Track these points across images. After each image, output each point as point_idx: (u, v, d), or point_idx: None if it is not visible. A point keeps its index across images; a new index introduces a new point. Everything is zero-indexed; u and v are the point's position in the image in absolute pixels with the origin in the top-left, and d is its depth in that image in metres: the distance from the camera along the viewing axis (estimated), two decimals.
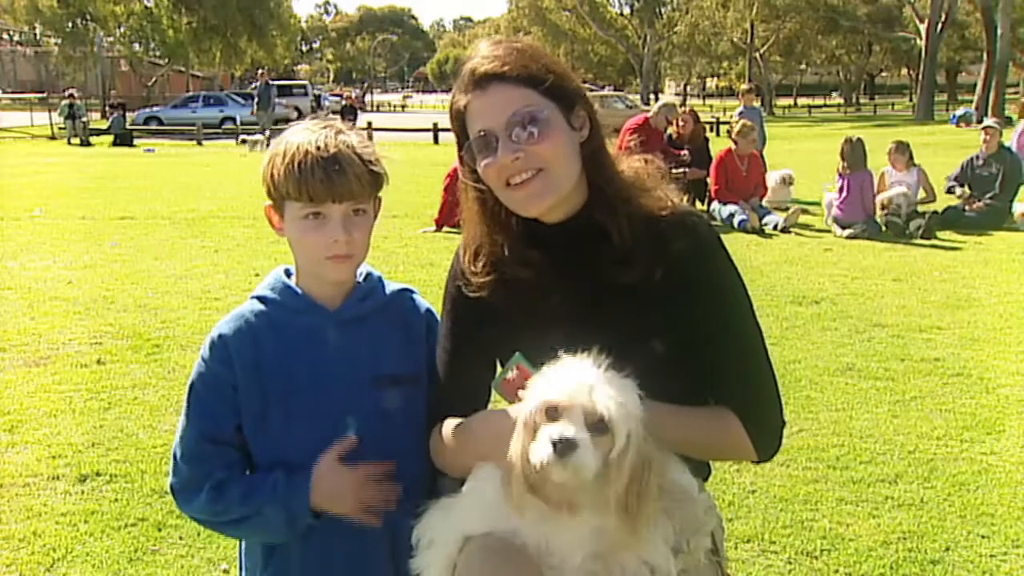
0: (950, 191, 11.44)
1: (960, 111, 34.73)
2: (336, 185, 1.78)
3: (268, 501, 1.78)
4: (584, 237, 1.78)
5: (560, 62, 1.79)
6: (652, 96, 54.84)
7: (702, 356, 1.76)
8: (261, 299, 1.91)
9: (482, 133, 1.71)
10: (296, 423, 1.84)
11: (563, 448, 1.45)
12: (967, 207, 10.92)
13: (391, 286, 2.00)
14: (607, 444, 1.47)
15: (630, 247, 1.76)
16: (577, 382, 1.50)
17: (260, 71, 30.09)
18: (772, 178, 12.24)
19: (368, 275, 1.97)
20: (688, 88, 77.19)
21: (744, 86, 16.94)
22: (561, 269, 1.79)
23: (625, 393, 1.51)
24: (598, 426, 1.48)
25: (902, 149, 11.24)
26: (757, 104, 15.65)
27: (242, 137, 25.98)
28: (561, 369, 1.54)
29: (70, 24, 48.60)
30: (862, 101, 69.89)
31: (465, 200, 1.85)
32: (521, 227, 1.81)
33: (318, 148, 1.78)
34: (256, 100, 27.92)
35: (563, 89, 1.74)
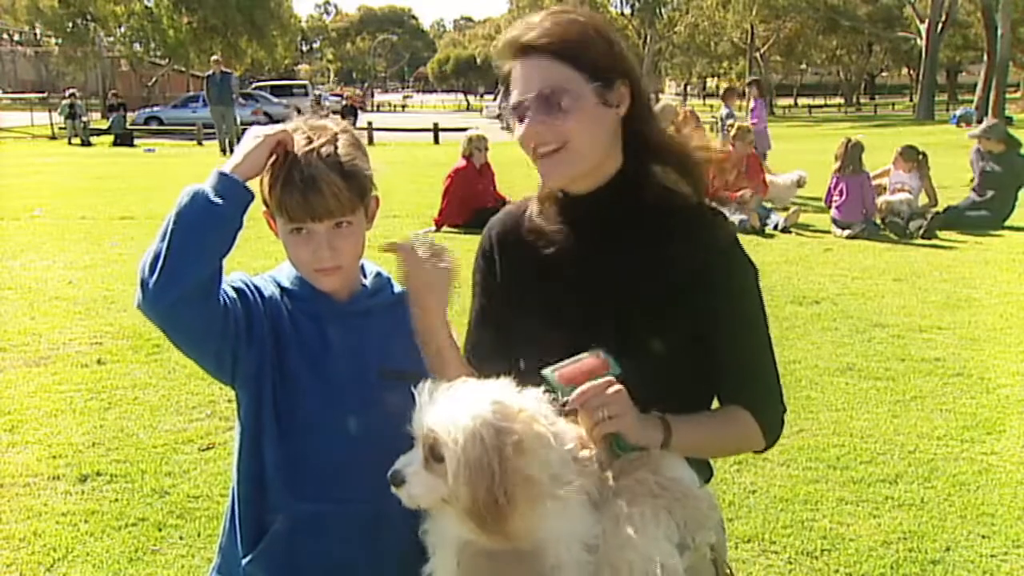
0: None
1: (960, 111, 34.67)
2: (314, 207, 1.78)
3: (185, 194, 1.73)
4: (608, 208, 1.80)
5: (613, 36, 1.79)
6: (652, 96, 54.71)
7: (710, 347, 1.78)
8: (275, 280, 1.93)
9: (517, 102, 1.74)
10: (300, 410, 1.84)
11: (392, 479, 1.54)
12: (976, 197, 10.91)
13: (399, 287, 2.02)
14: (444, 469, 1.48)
15: (651, 224, 1.79)
16: (422, 409, 1.53)
17: (214, 59, 24.97)
18: (785, 178, 12.25)
19: (378, 274, 1.99)
20: (688, 88, 77.18)
21: (726, 85, 16.74)
22: (583, 239, 1.82)
23: (463, 410, 1.48)
24: (435, 453, 1.50)
25: (908, 155, 11.19)
26: (738, 103, 15.51)
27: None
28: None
29: (70, 24, 48.56)
30: (862, 101, 69.86)
31: None
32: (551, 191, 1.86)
33: (297, 168, 1.78)
34: (206, 93, 22.91)
35: (602, 65, 1.74)
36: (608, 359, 1.61)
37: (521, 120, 1.74)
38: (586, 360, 1.60)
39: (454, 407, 1.49)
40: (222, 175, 1.72)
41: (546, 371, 1.59)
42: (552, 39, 1.72)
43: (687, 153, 1.84)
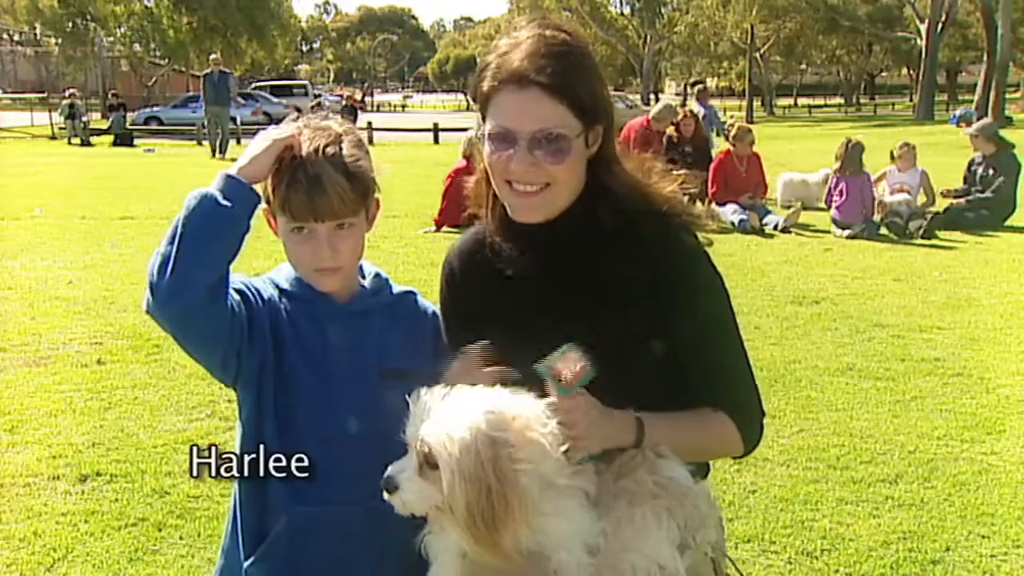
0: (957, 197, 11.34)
1: (960, 111, 34.64)
2: (318, 207, 1.78)
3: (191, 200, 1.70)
4: (566, 233, 1.79)
5: (599, 72, 1.77)
6: (652, 96, 54.80)
7: (681, 357, 1.77)
8: (273, 282, 1.93)
9: (503, 129, 1.70)
10: (300, 410, 1.85)
11: (386, 485, 1.54)
12: (970, 199, 10.89)
13: (397, 287, 2.02)
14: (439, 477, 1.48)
15: (613, 246, 1.78)
16: (416, 417, 1.52)
17: (212, 57, 23.84)
18: (814, 177, 12.26)
19: (376, 275, 1.99)
20: (688, 88, 77.19)
21: (699, 86, 17.25)
22: (542, 261, 1.81)
23: (458, 420, 1.47)
24: (430, 460, 1.49)
25: (912, 149, 11.23)
26: (712, 102, 15.67)
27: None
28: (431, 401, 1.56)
29: (70, 24, 48.59)
30: (862, 101, 69.84)
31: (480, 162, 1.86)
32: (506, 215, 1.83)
33: (303, 167, 1.78)
34: (203, 93, 21.77)
35: (594, 107, 1.73)
36: (586, 360, 1.59)
37: (504, 147, 1.70)
38: (568, 355, 1.58)
39: (448, 416, 1.49)
40: (229, 178, 1.71)
41: (540, 366, 1.58)
42: (551, 76, 1.66)
43: (649, 199, 1.81)
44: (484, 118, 1.75)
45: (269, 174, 1.79)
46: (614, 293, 1.77)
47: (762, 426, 1.84)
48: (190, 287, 1.64)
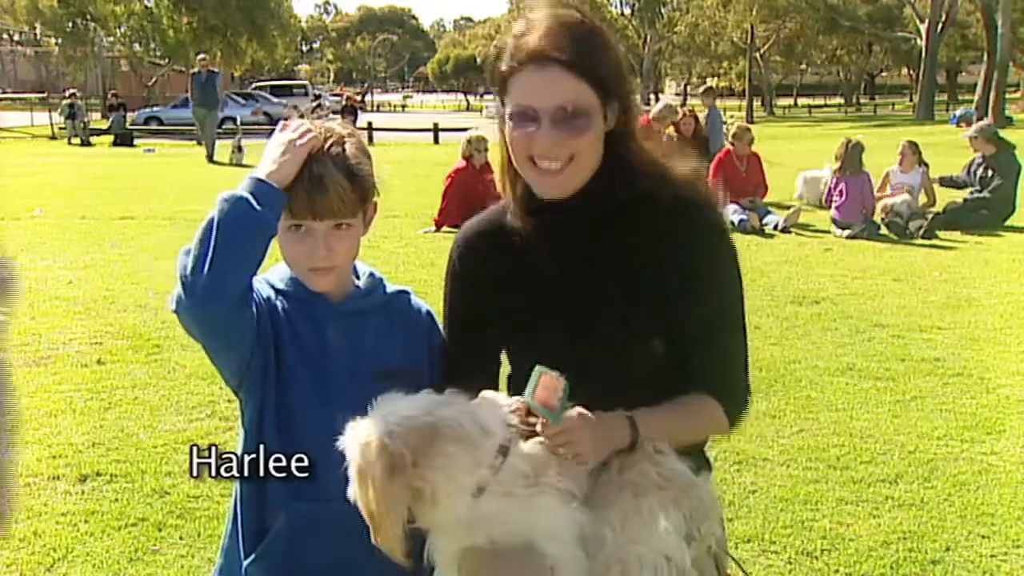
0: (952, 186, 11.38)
1: (960, 111, 34.62)
2: (317, 205, 1.79)
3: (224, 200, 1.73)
4: (585, 211, 1.80)
5: (615, 46, 1.79)
6: (652, 96, 54.86)
7: (688, 332, 1.79)
8: (268, 282, 1.93)
9: (525, 108, 1.72)
10: (299, 410, 1.85)
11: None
12: (968, 199, 10.91)
13: (391, 287, 2.03)
14: None
15: (628, 221, 1.79)
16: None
17: (200, 57, 22.65)
18: (826, 174, 12.28)
19: (371, 275, 1.99)
20: (688, 88, 77.17)
21: (701, 88, 17.47)
22: (561, 241, 1.82)
23: (359, 428, 1.56)
24: None
25: (915, 148, 11.24)
26: (717, 104, 15.70)
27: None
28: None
29: (70, 24, 48.56)
30: (862, 101, 69.84)
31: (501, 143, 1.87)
32: (527, 191, 1.84)
33: (307, 165, 1.79)
34: (190, 93, 21.03)
35: (613, 83, 1.75)
36: (559, 376, 1.61)
37: (526, 124, 1.72)
38: (543, 378, 1.62)
39: (359, 425, 1.57)
40: (260, 181, 1.74)
41: (526, 400, 1.62)
42: (570, 53, 1.68)
43: (666, 177, 1.82)
44: (503, 101, 1.77)
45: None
46: (626, 269, 1.79)
47: (747, 401, 1.87)
48: (227, 289, 1.67)
